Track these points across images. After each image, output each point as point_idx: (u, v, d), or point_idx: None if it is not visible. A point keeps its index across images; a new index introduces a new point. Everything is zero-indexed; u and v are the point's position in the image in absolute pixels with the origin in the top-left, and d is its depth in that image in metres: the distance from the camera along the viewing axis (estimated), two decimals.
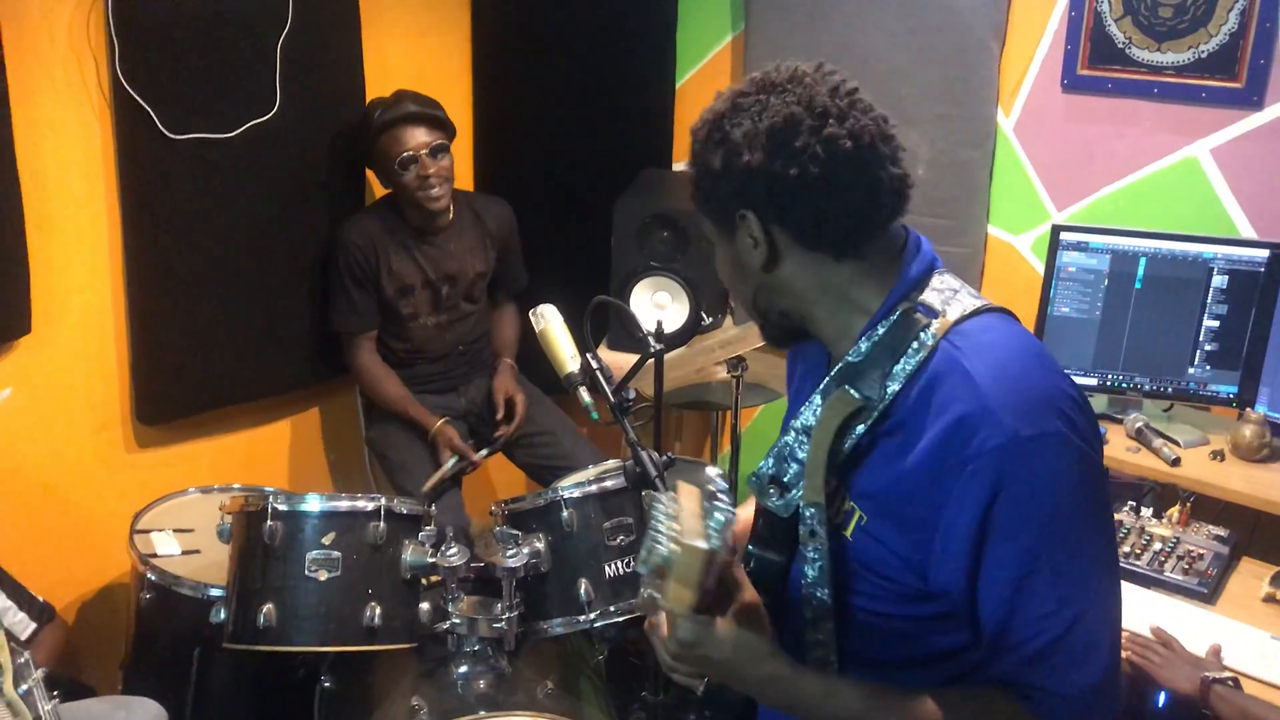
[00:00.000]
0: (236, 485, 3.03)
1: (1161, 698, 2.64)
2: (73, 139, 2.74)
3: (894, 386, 1.26)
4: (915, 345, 1.26)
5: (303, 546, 2.35)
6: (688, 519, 1.18)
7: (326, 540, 2.35)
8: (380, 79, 3.27)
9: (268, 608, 2.30)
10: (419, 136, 3.04)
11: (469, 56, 3.64)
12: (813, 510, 1.30)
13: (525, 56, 3.63)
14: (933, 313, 1.28)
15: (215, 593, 2.51)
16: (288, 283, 3.16)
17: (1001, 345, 1.25)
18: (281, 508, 2.35)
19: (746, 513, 1.52)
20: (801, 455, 1.34)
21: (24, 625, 2.51)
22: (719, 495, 1.22)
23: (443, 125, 3.11)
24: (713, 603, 1.25)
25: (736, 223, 1.31)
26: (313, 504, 2.38)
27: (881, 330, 1.29)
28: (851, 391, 1.28)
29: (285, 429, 3.41)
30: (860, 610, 1.31)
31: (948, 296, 1.30)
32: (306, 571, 2.33)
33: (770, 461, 1.41)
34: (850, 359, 1.30)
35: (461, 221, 3.25)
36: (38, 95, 2.64)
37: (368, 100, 3.21)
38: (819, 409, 1.32)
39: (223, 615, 2.39)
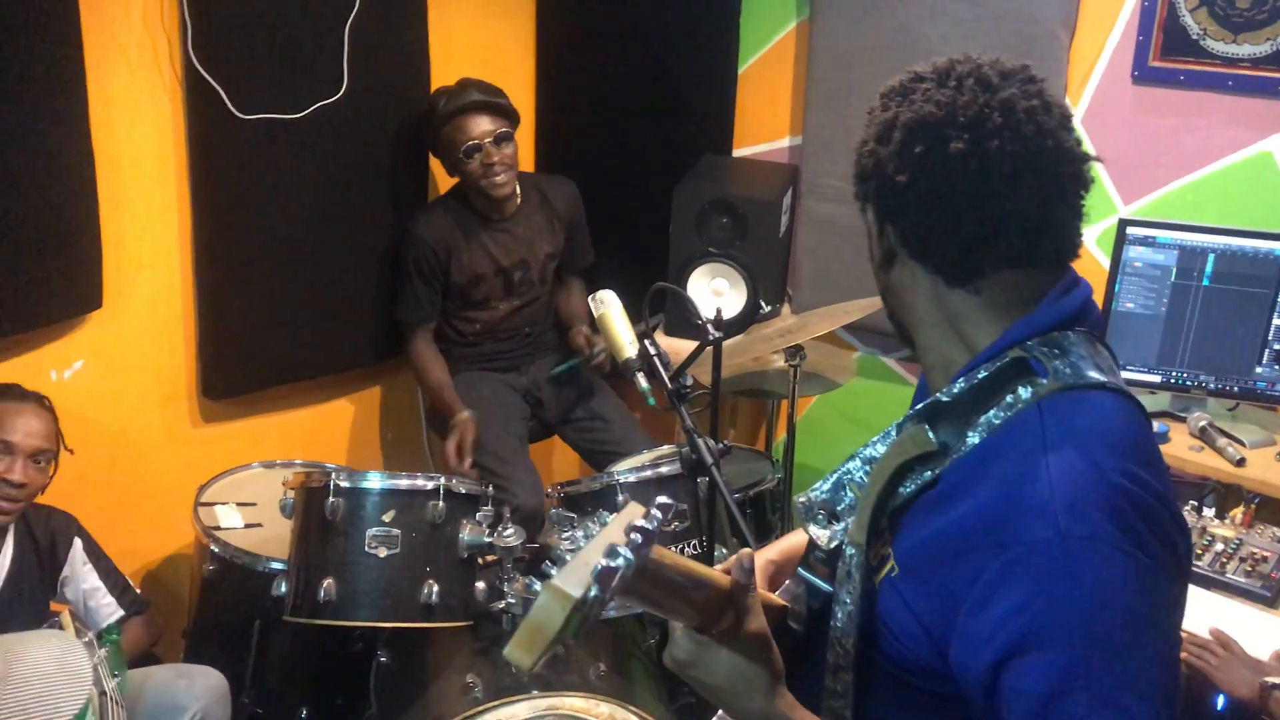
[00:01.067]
0: (298, 461, 3.09)
1: (1221, 700, 2.61)
2: (145, 118, 2.79)
3: (973, 439, 1.14)
4: (1009, 399, 1.13)
5: (363, 523, 2.38)
6: (590, 552, 1.01)
7: (386, 518, 2.39)
8: (445, 62, 3.29)
9: (328, 582, 2.34)
10: (483, 125, 3.06)
11: (533, 41, 3.65)
12: (853, 551, 1.19)
13: (588, 41, 3.64)
14: (1043, 371, 1.13)
15: (276, 566, 2.56)
16: (351, 262, 3.20)
17: (1091, 431, 1.10)
18: (344, 484, 2.39)
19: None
20: (862, 487, 1.24)
21: (110, 610, 2.58)
22: (635, 533, 1.01)
23: (506, 113, 3.12)
24: (716, 624, 1.16)
25: (865, 204, 1.24)
26: (374, 481, 2.42)
27: (983, 374, 1.16)
28: (928, 432, 1.17)
29: (345, 407, 3.46)
30: (883, 669, 1.18)
31: (1070, 361, 1.14)
32: (366, 548, 2.37)
33: (827, 486, 1.33)
34: (941, 397, 1.18)
35: (529, 204, 3.27)
36: (113, 74, 2.69)
37: (432, 82, 3.23)
38: (890, 443, 1.22)
39: (284, 588, 2.44)
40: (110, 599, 2.56)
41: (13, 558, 2.43)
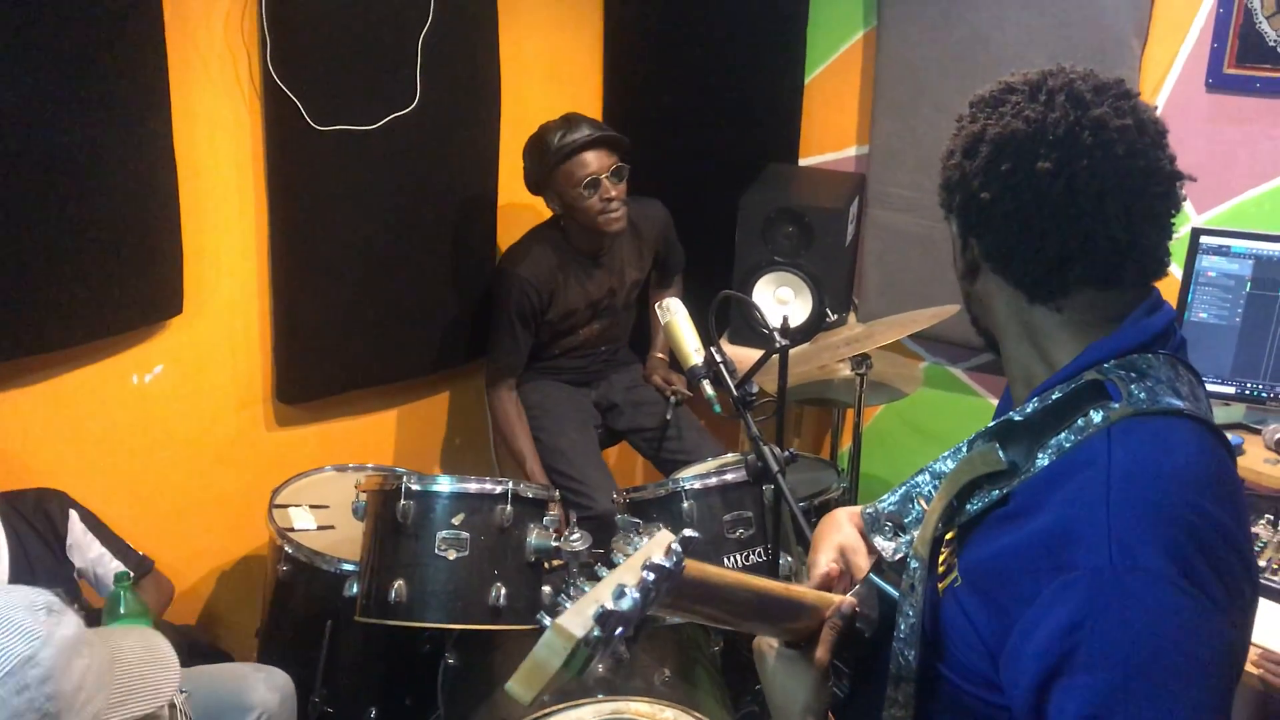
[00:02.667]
0: (369, 465, 3.14)
1: None
2: (225, 129, 2.87)
3: (1043, 460, 1.12)
4: (1081, 423, 1.11)
5: (433, 526, 2.43)
6: (601, 589, 1.01)
7: (456, 521, 2.43)
8: (515, 73, 3.34)
9: (399, 584, 2.39)
10: (603, 159, 3.05)
11: (600, 51, 3.69)
12: (917, 564, 1.20)
13: (655, 51, 3.67)
14: (1118, 394, 1.11)
15: (348, 567, 2.61)
16: (421, 271, 3.25)
17: (1157, 460, 1.07)
18: (415, 488, 2.43)
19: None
20: (929, 501, 1.25)
21: (118, 571, 2.62)
22: (649, 570, 1.01)
23: (622, 146, 3.11)
24: (792, 636, 1.25)
25: (949, 214, 1.24)
26: (444, 485, 2.46)
27: (1057, 395, 1.15)
28: (999, 451, 1.16)
29: (414, 412, 3.52)
30: (945, 681, 1.17)
31: (1148, 385, 1.12)
32: (436, 550, 2.41)
33: (895, 498, 1.36)
34: (1014, 416, 1.17)
35: (622, 236, 3.25)
36: (195, 87, 2.77)
37: (503, 93, 3.28)
38: (960, 459, 1.23)
39: (355, 589, 2.48)
40: (116, 562, 2.56)
41: (8, 545, 2.42)
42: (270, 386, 3.14)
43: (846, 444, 3.61)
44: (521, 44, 3.39)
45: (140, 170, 2.64)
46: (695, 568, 1.10)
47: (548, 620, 0.97)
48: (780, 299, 3.43)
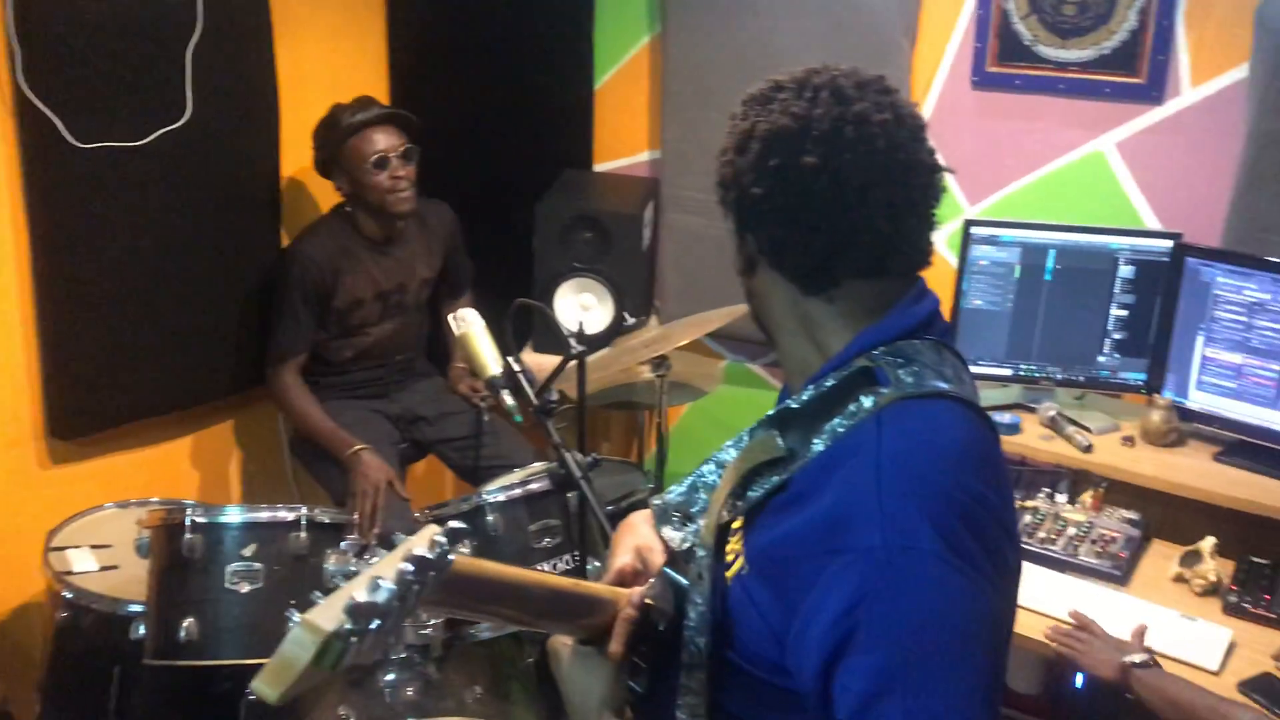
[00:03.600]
0: (154, 499, 2.98)
1: (1080, 679, 2.71)
2: None
3: (819, 445, 1.15)
4: (853, 408, 1.15)
5: (223, 559, 2.33)
6: (356, 584, 0.98)
7: (247, 552, 2.34)
8: (295, 85, 3.23)
9: (189, 622, 2.28)
10: (392, 138, 3.03)
11: (385, 61, 3.62)
12: (704, 552, 1.22)
13: (442, 60, 3.62)
14: (886, 380, 1.15)
15: (135, 609, 2.46)
16: (203, 292, 3.10)
17: (924, 441, 1.12)
18: (201, 520, 2.33)
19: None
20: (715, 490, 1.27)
21: None
22: (409, 561, 0.98)
23: (412, 127, 3.10)
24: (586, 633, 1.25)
25: (726, 211, 1.25)
26: (232, 515, 2.37)
27: (831, 382, 1.18)
28: (777, 438, 1.19)
29: (203, 441, 3.36)
30: (736, 667, 1.19)
31: (914, 369, 1.16)
32: (227, 584, 2.32)
33: (682, 489, 1.37)
34: (791, 404, 1.21)
35: (409, 227, 3.23)
36: None
37: (281, 106, 3.17)
38: (742, 447, 1.25)
39: (142, 631, 2.36)
40: None
41: None
42: (41, 422, 2.93)
43: (653, 446, 3.64)
44: (299, 53, 3.29)
45: None
46: (469, 564, 1.08)
47: (297, 616, 0.93)
48: (583, 305, 3.43)
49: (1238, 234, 2.80)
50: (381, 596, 0.94)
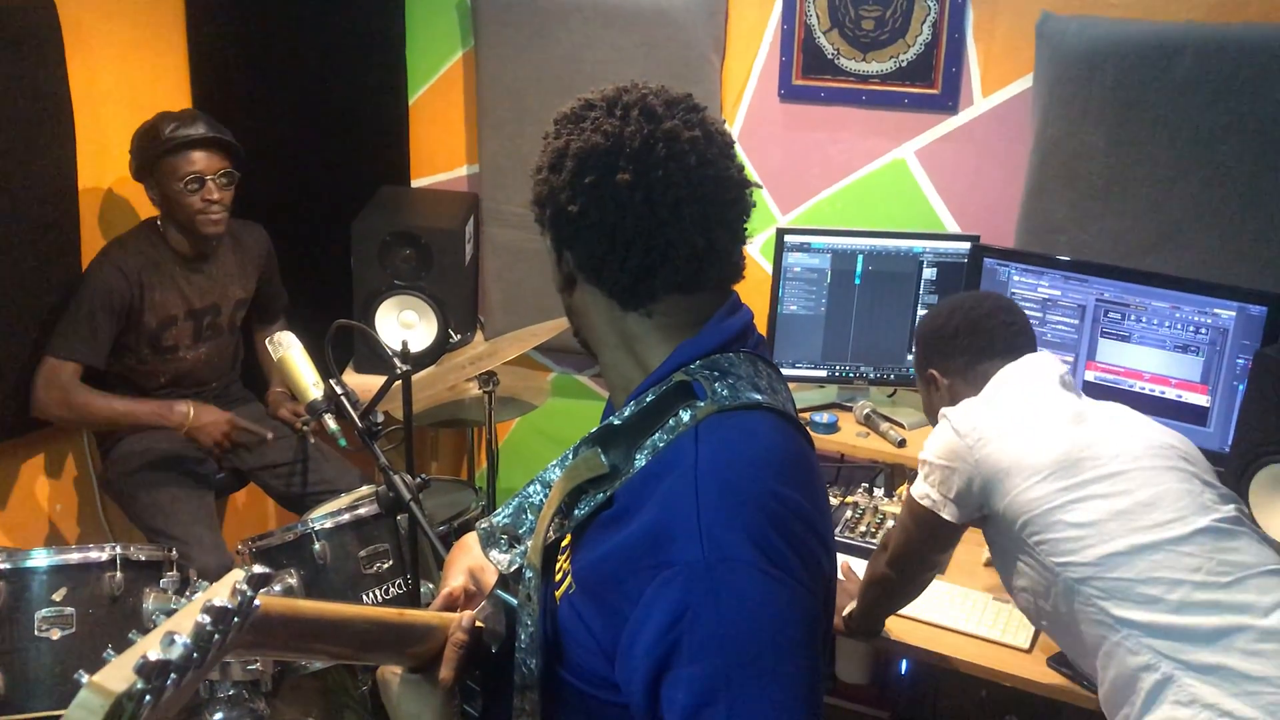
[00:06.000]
0: None
1: (904, 666, 2.84)
2: None
3: (640, 461, 1.17)
4: (672, 422, 1.17)
5: (30, 605, 2.22)
6: (149, 639, 0.93)
7: (57, 596, 2.23)
8: (90, 102, 3.08)
9: None
10: (214, 161, 2.94)
11: (187, 79, 3.49)
12: (531, 573, 1.22)
13: (247, 75, 3.51)
14: (703, 393, 1.18)
15: None
16: (4, 319, 2.92)
17: (739, 453, 1.14)
18: (4, 566, 2.21)
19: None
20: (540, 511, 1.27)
21: None
22: (207, 613, 0.94)
23: (237, 155, 3.01)
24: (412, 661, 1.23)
25: (543, 229, 1.26)
26: (39, 559, 2.25)
27: (650, 398, 1.20)
28: (600, 455, 1.20)
29: (11, 481, 3.16)
30: (568, 686, 1.20)
31: (730, 381, 1.19)
32: (37, 632, 2.21)
33: (509, 510, 1.37)
34: (613, 421, 1.22)
35: (223, 248, 3.13)
36: None
37: (77, 124, 3.01)
38: (566, 465, 1.25)
39: None
40: None
41: None
42: None
43: (484, 463, 3.62)
44: (94, 67, 3.14)
45: None
46: (280, 604, 1.05)
47: (85, 678, 0.88)
48: (405, 323, 3.38)
49: (1029, 235, 2.98)
50: (176, 652, 0.90)
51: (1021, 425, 2.04)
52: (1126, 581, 1.88)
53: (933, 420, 2.22)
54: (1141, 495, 1.94)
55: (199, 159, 2.92)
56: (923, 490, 2.11)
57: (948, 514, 2.07)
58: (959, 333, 2.21)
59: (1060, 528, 1.95)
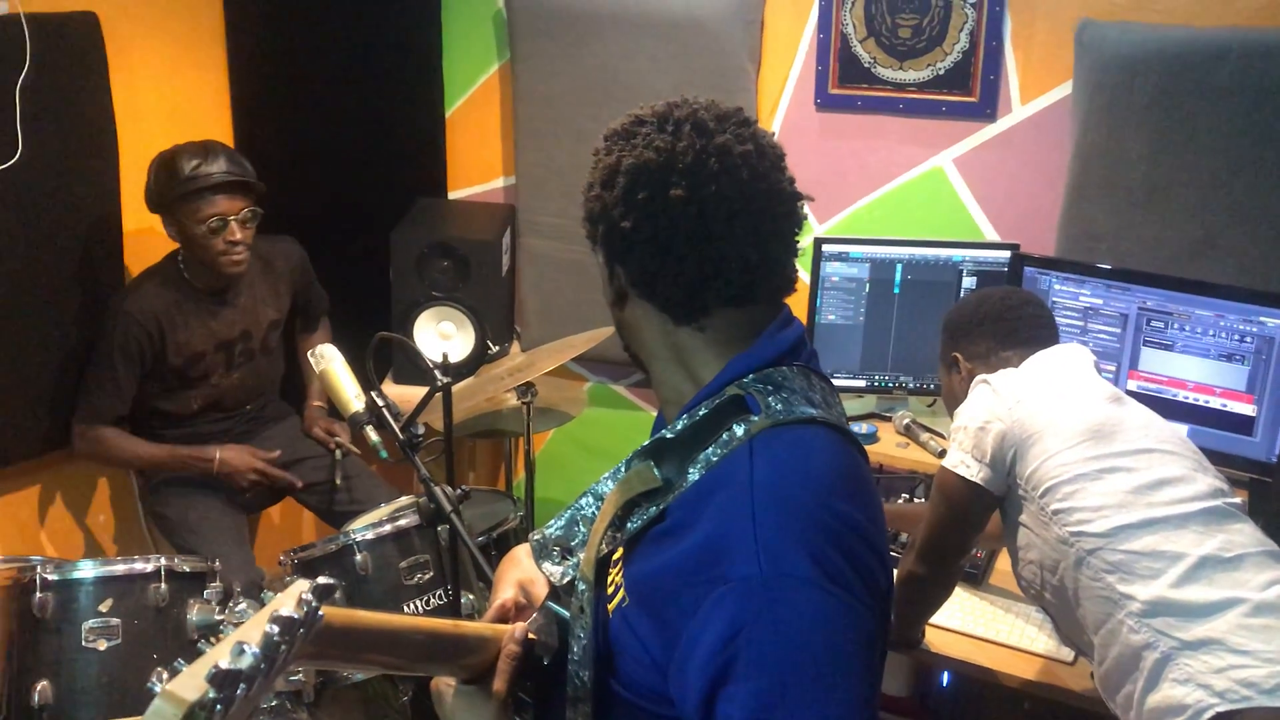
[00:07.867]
0: (0, 557, 2.83)
1: (945, 678, 2.81)
2: None
3: (694, 475, 1.16)
4: (726, 436, 1.16)
5: (78, 616, 2.24)
6: (220, 649, 0.95)
7: (104, 607, 2.25)
8: (133, 120, 3.13)
9: (42, 685, 2.19)
10: (234, 203, 2.87)
11: (227, 94, 3.53)
12: (584, 586, 1.22)
13: (286, 90, 3.55)
14: (757, 407, 1.17)
15: None
16: (43, 338, 2.97)
17: (795, 467, 1.14)
18: (52, 577, 2.24)
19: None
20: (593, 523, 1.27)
21: None
22: (275, 623, 0.96)
23: (256, 190, 2.94)
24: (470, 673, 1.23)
25: (595, 245, 1.26)
26: (86, 570, 2.28)
27: (703, 411, 1.20)
28: (654, 469, 1.20)
29: (50, 493, 3.21)
30: (621, 699, 1.19)
31: (784, 395, 1.19)
32: (84, 643, 2.23)
33: (561, 523, 1.37)
34: (666, 434, 1.21)
35: (251, 272, 3.07)
36: None
37: (120, 143, 3.05)
38: (619, 478, 1.26)
39: None
40: None
41: None
42: None
43: (521, 473, 3.63)
44: (137, 88, 3.18)
45: None
46: (342, 615, 1.06)
47: (158, 687, 0.89)
48: (443, 334, 3.40)
49: (1070, 243, 2.95)
50: (246, 662, 0.92)
51: (1060, 395, 2.09)
52: (1133, 555, 1.92)
53: (951, 409, 2.27)
54: (1161, 472, 1.99)
55: (221, 202, 2.85)
56: (956, 458, 2.13)
57: (980, 477, 2.09)
58: (986, 319, 2.28)
59: (1082, 496, 1.98)
